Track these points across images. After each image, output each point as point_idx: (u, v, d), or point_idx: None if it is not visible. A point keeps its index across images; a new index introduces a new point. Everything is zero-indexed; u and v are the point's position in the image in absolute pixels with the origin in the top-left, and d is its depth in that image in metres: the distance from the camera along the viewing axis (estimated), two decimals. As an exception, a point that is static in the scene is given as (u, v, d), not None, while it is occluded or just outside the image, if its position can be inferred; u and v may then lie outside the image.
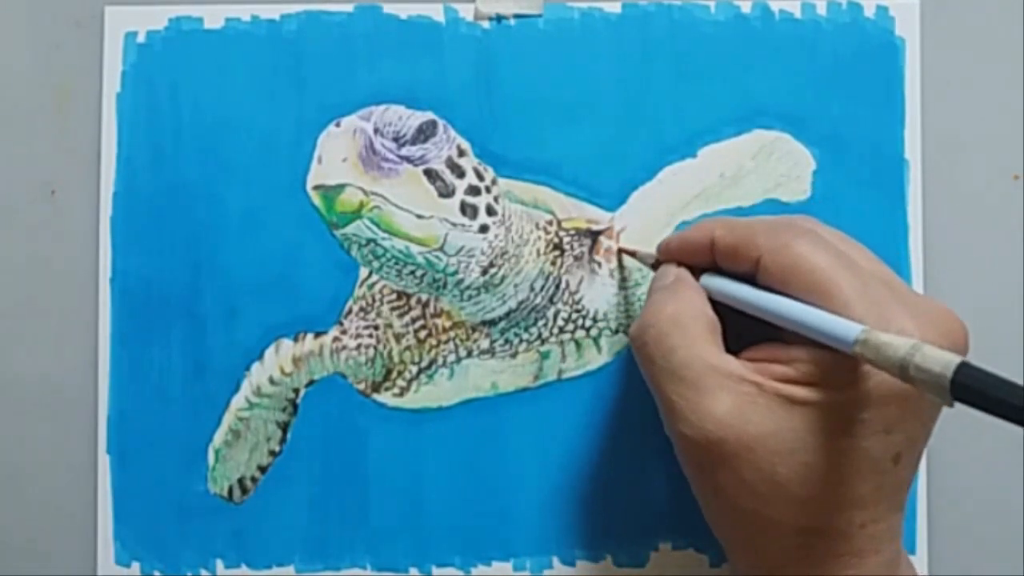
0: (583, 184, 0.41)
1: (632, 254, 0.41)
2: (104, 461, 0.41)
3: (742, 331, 0.34)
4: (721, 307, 0.34)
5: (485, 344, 0.41)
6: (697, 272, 0.36)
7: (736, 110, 0.41)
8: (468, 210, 0.40)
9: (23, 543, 0.42)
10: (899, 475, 0.32)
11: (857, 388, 0.30)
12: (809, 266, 0.31)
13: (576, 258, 0.41)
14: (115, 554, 0.41)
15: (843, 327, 0.29)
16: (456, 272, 0.40)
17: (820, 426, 0.31)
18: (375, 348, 0.41)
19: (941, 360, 0.26)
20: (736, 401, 0.31)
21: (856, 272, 0.31)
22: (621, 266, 0.41)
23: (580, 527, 0.41)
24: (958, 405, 0.26)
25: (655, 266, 0.38)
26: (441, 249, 0.40)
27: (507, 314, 0.41)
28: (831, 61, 0.42)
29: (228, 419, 0.41)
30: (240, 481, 0.41)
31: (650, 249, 0.39)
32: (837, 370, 0.30)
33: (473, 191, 0.40)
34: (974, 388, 0.26)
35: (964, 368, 0.26)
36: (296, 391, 0.41)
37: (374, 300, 0.41)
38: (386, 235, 0.40)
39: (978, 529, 0.40)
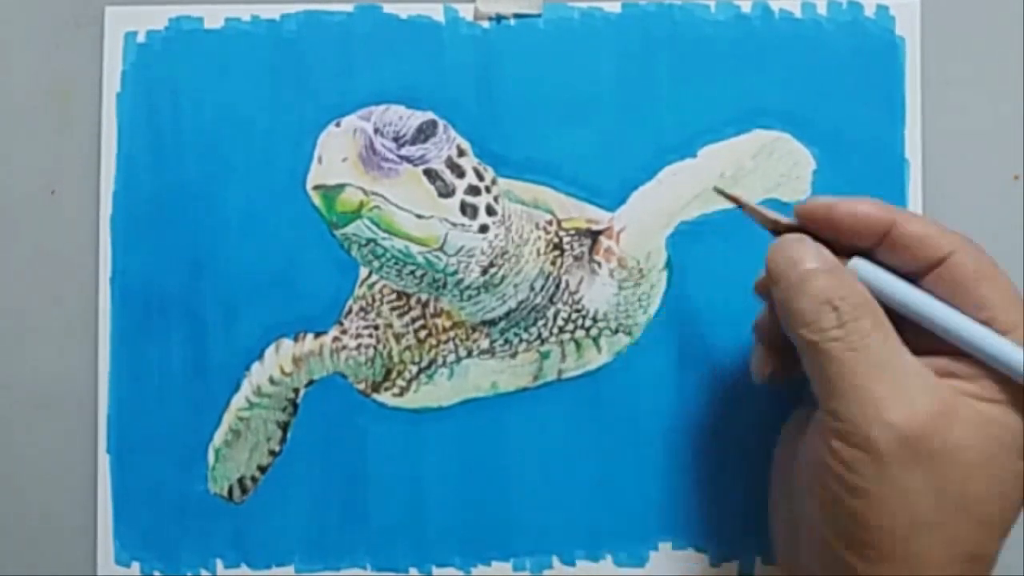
0: (583, 184, 0.41)
1: (737, 202, 0.36)
2: (104, 461, 0.41)
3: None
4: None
5: (485, 344, 0.41)
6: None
7: (736, 110, 0.41)
8: (468, 210, 0.40)
9: (23, 543, 0.42)
10: None
11: None
12: (1000, 278, 0.31)
13: (576, 258, 0.41)
14: (115, 554, 0.41)
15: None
16: (456, 272, 0.40)
17: (1009, 446, 0.30)
18: (375, 348, 0.41)
19: None
20: (941, 405, 0.30)
21: None
22: (622, 266, 0.41)
23: (580, 527, 0.41)
24: None
25: (776, 231, 0.35)
26: (441, 249, 0.40)
27: (507, 314, 0.41)
28: (831, 61, 0.41)
29: (228, 419, 0.41)
30: (240, 481, 0.41)
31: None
32: (1017, 391, 0.30)
33: (473, 191, 0.40)
34: None
35: None
36: (296, 391, 0.41)
37: (374, 300, 0.41)
38: (386, 235, 0.40)
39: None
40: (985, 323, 0.31)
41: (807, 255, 0.32)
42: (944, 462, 0.29)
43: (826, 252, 0.32)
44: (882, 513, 0.30)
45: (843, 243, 0.33)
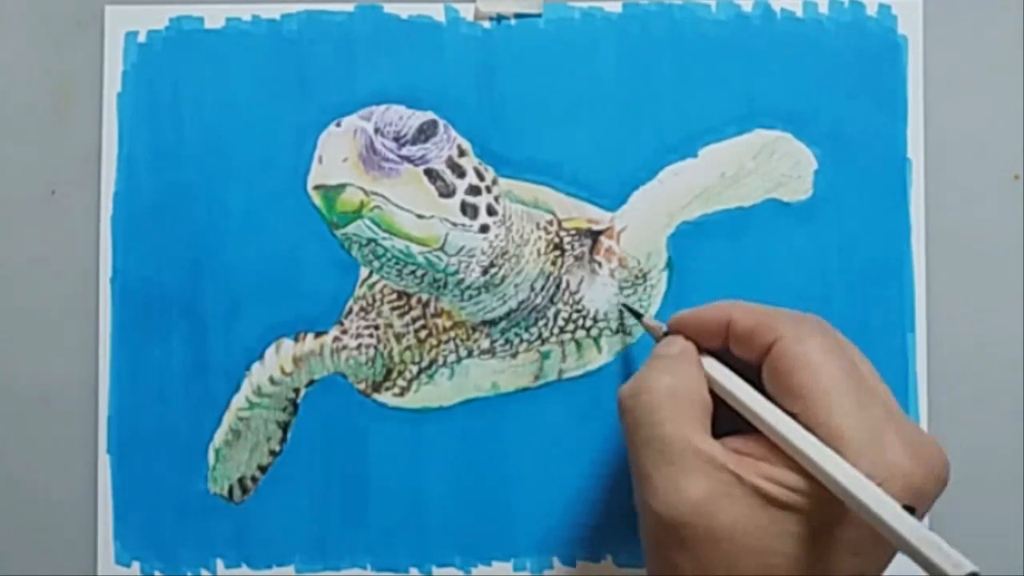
0: (583, 184, 0.41)
1: (639, 317, 0.40)
2: (104, 461, 0.41)
3: (732, 418, 0.33)
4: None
5: (485, 344, 0.41)
6: (702, 352, 0.36)
7: (737, 109, 0.41)
8: (468, 210, 0.40)
9: (23, 543, 0.42)
10: None
11: (834, 504, 0.30)
12: (819, 366, 0.31)
13: (576, 258, 0.41)
14: (115, 554, 0.41)
15: (853, 480, 0.29)
16: (456, 272, 0.40)
17: (791, 532, 0.30)
18: (375, 348, 0.41)
19: (949, 560, 0.27)
20: (712, 488, 0.31)
21: (860, 387, 0.31)
22: (622, 266, 0.41)
23: (580, 527, 0.41)
24: None
25: (659, 337, 0.38)
26: (441, 249, 0.40)
27: (507, 314, 0.41)
28: (833, 60, 0.41)
29: (228, 419, 0.41)
30: (240, 481, 0.41)
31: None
32: (817, 482, 0.30)
33: (473, 191, 0.40)
34: None
35: None
36: (296, 391, 0.41)
37: (374, 300, 0.41)
38: (387, 235, 0.40)
39: (978, 529, 0.40)
40: (796, 413, 0.31)
41: (666, 344, 0.36)
42: (708, 546, 0.30)
43: (680, 346, 0.35)
44: None
45: (708, 344, 0.35)
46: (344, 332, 0.41)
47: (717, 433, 0.33)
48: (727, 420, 0.33)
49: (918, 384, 0.41)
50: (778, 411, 0.32)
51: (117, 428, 0.41)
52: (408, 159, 0.40)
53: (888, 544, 0.30)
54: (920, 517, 0.29)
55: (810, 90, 0.41)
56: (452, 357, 0.41)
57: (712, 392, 0.34)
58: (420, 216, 0.40)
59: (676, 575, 0.31)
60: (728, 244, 0.41)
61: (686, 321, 0.36)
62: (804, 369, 0.31)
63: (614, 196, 0.41)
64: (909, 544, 0.27)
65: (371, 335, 0.41)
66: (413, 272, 0.41)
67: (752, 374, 0.34)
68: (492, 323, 0.41)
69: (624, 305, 0.41)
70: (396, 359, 0.41)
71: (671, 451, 0.31)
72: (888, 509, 0.28)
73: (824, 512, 0.30)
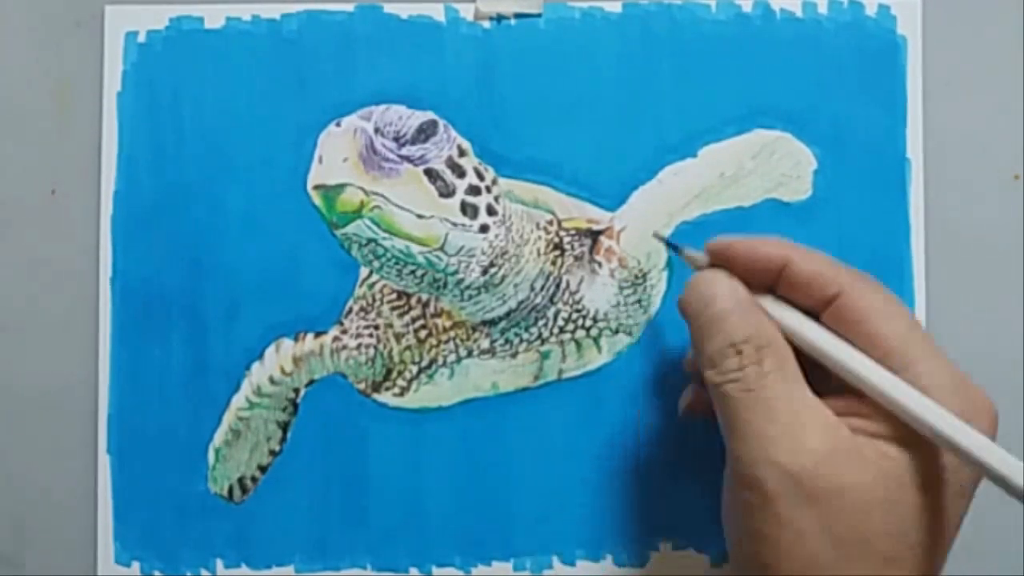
0: (583, 184, 0.41)
1: (676, 249, 0.37)
2: (104, 461, 0.41)
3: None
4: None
5: (485, 344, 0.41)
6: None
7: (737, 109, 0.41)
8: (468, 210, 0.40)
9: (23, 543, 0.42)
10: (954, 537, 0.31)
11: (936, 452, 0.30)
12: (891, 316, 0.31)
13: (576, 258, 0.41)
14: (115, 554, 0.41)
15: (958, 429, 0.29)
16: (456, 272, 0.40)
17: (907, 483, 0.30)
18: (375, 348, 0.41)
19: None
20: (834, 444, 0.30)
21: (928, 338, 0.31)
22: (622, 266, 0.41)
23: (580, 527, 0.41)
24: None
25: (696, 266, 0.36)
26: (441, 249, 0.40)
27: (507, 314, 0.41)
28: (832, 60, 0.41)
29: (228, 419, 0.41)
30: (240, 481, 0.41)
31: (699, 250, 0.36)
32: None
33: (473, 191, 0.40)
34: None
35: None
36: (296, 391, 0.41)
37: (374, 300, 0.41)
38: (386, 235, 0.40)
39: (978, 529, 0.40)
40: (879, 361, 0.31)
41: (718, 294, 0.33)
42: (836, 502, 0.29)
43: (739, 289, 0.33)
44: (778, 555, 0.30)
45: (755, 280, 0.33)
46: (344, 332, 0.41)
47: None
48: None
49: (918, 384, 0.41)
50: (866, 359, 0.31)
51: (117, 428, 0.41)
52: (408, 159, 0.40)
53: (977, 481, 0.31)
54: None
55: (810, 90, 0.41)
56: (452, 357, 0.41)
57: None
58: (420, 216, 0.40)
59: (797, 536, 0.30)
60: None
61: (735, 253, 0.34)
62: (877, 318, 0.31)
63: (614, 196, 0.41)
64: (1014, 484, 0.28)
65: (371, 335, 0.41)
66: (413, 272, 0.41)
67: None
68: (492, 323, 0.41)
69: (661, 238, 0.38)
70: (396, 359, 0.41)
71: (783, 406, 0.30)
72: (994, 452, 0.29)
73: (930, 458, 0.30)
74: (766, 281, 0.33)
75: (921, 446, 0.30)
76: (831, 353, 0.32)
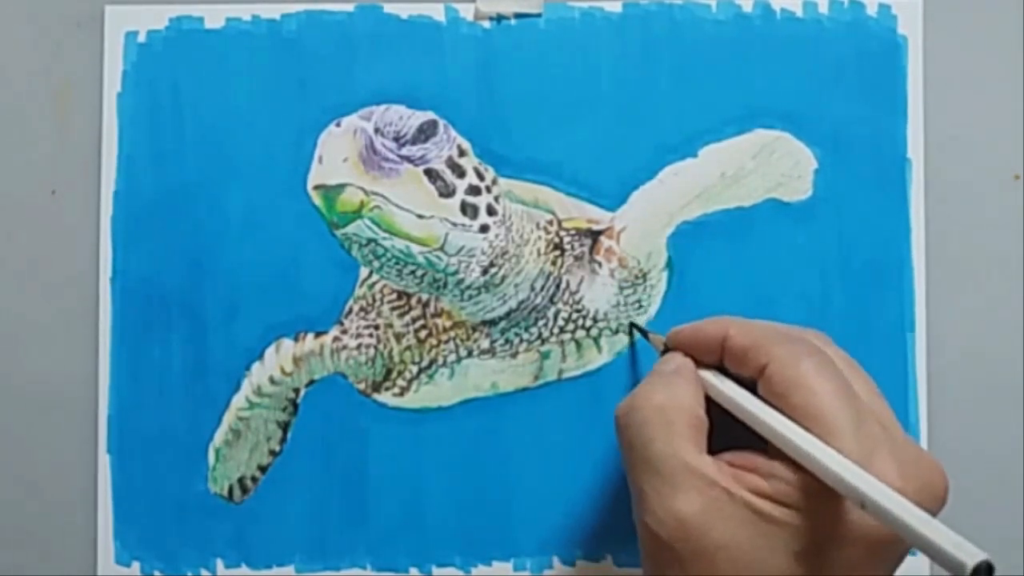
0: (583, 184, 0.41)
1: (645, 335, 0.40)
2: (104, 461, 0.41)
3: (730, 434, 0.33)
4: (714, 407, 0.34)
5: (485, 344, 0.41)
6: (700, 366, 0.36)
7: (737, 109, 0.41)
8: (468, 210, 0.40)
9: (23, 543, 0.42)
10: None
11: (833, 522, 0.30)
12: (812, 387, 0.31)
13: (576, 258, 0.41)
14: (115, 554, 0.41)
15: (850, 474, 0.29)
16: (456, 272, 0.40)
17: (784, 548, 0.30)
18: (375, 348, 0.41)
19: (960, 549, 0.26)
20: (705, 504, 0.31)
21: (855, 405, 0.31)
22: (622, 266, 0.41)
23: (580, 527, 0.41)
24: None
25: (663, 351, 0.38)
26: (441, 249, 0.40)
27: (507, 314, 0.41)
28: (833, 60, 0.41)
29: (228, 419, 0.41)
30: (240, 481, 0.41)
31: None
32: (817, 498, 0.30)
33: (473, 191, 0.40)
34: None
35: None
36: (296, 391, 0.41)
37: (374, 300, 0.41)
38: (387, 235, 0.40)
39: (978, 529, 0.40)
40: (804, 428, 0.31)
41: (664, 361, 0.36)
42: (702, 563, 0.30)
43: (676, 363, 0.35)
44: None
45: (704, 359, 0.35)
46: (344, 332, 0.41)
47: (713, 450, 0.33)
48: (725, 437, 0.33)
49: (917, 384, 0.41)
50: (777, 414, 0.32)
51: (117, 428, 0.41)
52: (408, 159, 0.40)
53: (886, 562, 0.31)
54: None
55: (810, 90, 0.41)
56: (452, 357, 0.41)
57: (710, 408, 0.34)
58: (420, 216, 0.40)
59: None
60: (728, 244, 0.41)
61: (683, 337, 0.36)
62: (797, 391, 0.31)
63: (614, 196, 0.41)
64: (917, 533, 0.27)
65: (371, 335, 0.41)
66: (413, 272, 0.41)
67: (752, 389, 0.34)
68: (492, 323, 0.41)
69: (632, 324, 0.41)
70: (396, 359, 0.41)
71: (662, 468, 0.32)
72: (895, 500, 0.28)
73: (818, 529, 0.30)
74: (715, 355, 0.35)
75: (814, 515, 0.30)
76: (740, 404, 0.33)
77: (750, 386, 0.33)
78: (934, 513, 0.31)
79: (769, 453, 0.32)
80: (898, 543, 0.30)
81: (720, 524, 0.30)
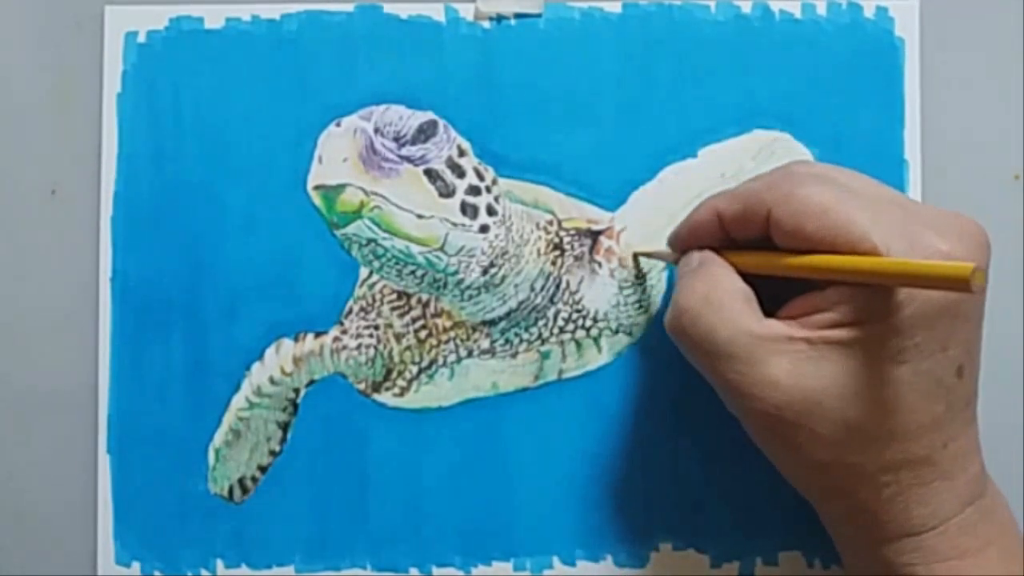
0: (583, 184, 0.41)
1: (649, 255, 0.41)
2: (104, 461, 0.41)
3: (777, 293, 0.33)
4: (751, 275, 0.34)
5: (485, 344, 0.41)
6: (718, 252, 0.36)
7: (736, 110, 0.41)
8: (468, 210, 0.40)
9: (23, 543, 0.42)
10: (966, 387, 0.32)
11: (902, 314, 0.31)
12: (819, 207, 0.31)
13: (576, 258, 0.41)
14: (115, 554, 0.41)
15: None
16: (456, 272, 0.40)
17: (877, 361, 0.31)
18: (375, 348, 0.41)
19: None
20: (792, 362, 0.31)
21: (866, 200, 0.32)
22: (622, 266, 0.41)
23: (580, 527, 0.41)
24: None
25: (676, 261, 0.38)
26: (441, 249, 0.40)
27: (507, 314, 0.41)
28: (831, 61, 0.42)
29: (228, 419, 0.41)
30: (240, 481, 0.41)
31: (662, 243, 0.39)
32: (877, 301, 0.31)
33: (473, 191, 0.40)
34: None
35: None
36: (296, 391, 0.41)
37: (374, 300, 0.41)
38: (386, 235, 0.40)
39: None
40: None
41: (685, 263, 0.36)
42: (816, 412, 0.31)
43: (696, 258, 0.35)
44: (798, 475, 0.34)
45: (714, 242, 0.36)
46: (344, 332, 0.41)
47: (769, 313, 0.33)
48: (772, 300, 0.34)
49: (917, 384, 0.41)
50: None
51: (117, 428, 0.41)
52: (408, 159, 0.40)
53: (970, 323, 0.32)
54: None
55: (808, 91, 0.42)
56: (452, 357, 0.41)
57: (747, 280, 0.34)
58: (420, 216, 0.40)
59: (801, 453, 0.32)
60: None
61: (684, 232, 0.37)
62: (807, 220, 0.31)
63: (614, 196, 0.41)
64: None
65: (371, 335, 0.41)
66: (413, 272, 0.41)
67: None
68: (492, 323, 0.41)
69: (636, 253, 0.41)
70: (396, 359, 0.41)
71: (737, 350, 0.32)
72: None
73: (894, 327, 0.31)
74: (719, 234, 0.35)
75: (883, 318, 0.31)
76: (776, 264, 0.33)
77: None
78: (988, 257, 0.33)
79: (817, 288, 0.32)
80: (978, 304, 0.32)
81: (814, 371, 0.31)
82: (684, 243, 0.37)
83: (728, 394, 0.33)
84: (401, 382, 0.41)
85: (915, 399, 0.31)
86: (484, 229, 0.40)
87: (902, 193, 0.34)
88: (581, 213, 0.41)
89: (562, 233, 0.41)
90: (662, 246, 0.40)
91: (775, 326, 0.32)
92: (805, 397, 0.31)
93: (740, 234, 0.34)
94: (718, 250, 0.35)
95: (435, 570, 0.41)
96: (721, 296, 0.33)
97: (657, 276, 0.41)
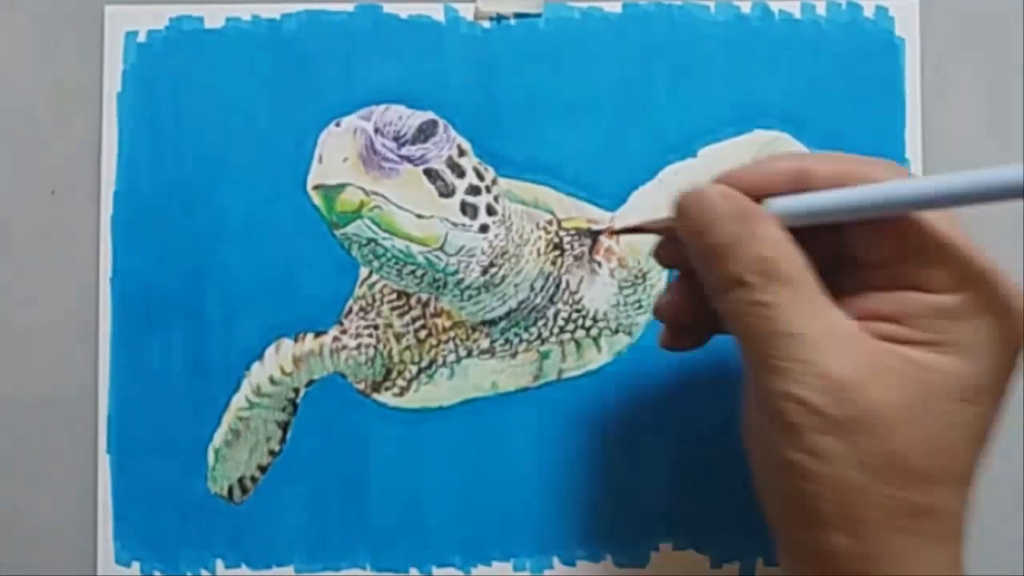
0: (583, 184, 0.41)
1: (639, 228, 0.35)
2: (104, 461, 0.41)
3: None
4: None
5: (485, 344, 0.41)
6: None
7: (736, 110, 0.41)
8: (468, 210, 0.40)
9: (23, 543, 0.41)
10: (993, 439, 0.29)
11: (981, 348, 0.28)
12: (855, 155, 0.29)
13: (576, 258, 0.41)
14: (115, 554, 0.41)
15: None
16: (456, 272, 0.40)
17: (939, 393, 0.28)
18: (375, 348, 0.41)
19: None
20: (859, 364, 0.28)
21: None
22: (622, 266, 0.41)
23: (580, 527, 0.41)
24: None
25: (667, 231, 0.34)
26: (441, 249, 0.40)
27: (507, 314, 0.41)
28: (831, 61, 0.42)
29: (228, 419, 0.41)
30: (240, 481, 0.41)
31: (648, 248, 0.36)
32: (958, 327, 0.28)
33: (473, 191, 0.40)
34: None
35: None
36: (296, 391, 0.41)
37: (374, 300, 0.41)
38: (386, 235, 0.40)
39: (979, 530, 0.40)
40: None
41: (716, 219, 0.30)
42: (862, 425, 0.27)
43: (736, 204, 0.30)
44: (807, 480, 0.28)
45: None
46: (344, 332, 0.41)
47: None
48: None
49: (917, 383, 0.41)
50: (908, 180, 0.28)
51: (117, 428, 0.41)
52: (408, 159, 0.40)
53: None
54: None
55: (808, 91, 0.42)
56: (452, 357, 0.41)
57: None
58: (420, 216, 0.40)
59: (823, 462, 0.28)
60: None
61: (741, 177, 0.31)
62: (850, 162, 0.29)
63: (614, 196, 0.41)
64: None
65: (371, 335, 0.41)
66: (413, 272, 0.41)
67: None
68: (492, 323, 0.41)
69: (623, 228, 0.36)
70: (396, 359, 0.41)
71: (801, 333, 0.28)
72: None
73: (971, 360, 0.28)
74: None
75: (962, 347, 0.28)
76: (847, 201, 0.28)
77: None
78: None
79: (880, 286, 0.29)
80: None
81: (879, 382, 0.27)
82: (736, 184, 0.30)
83: (775, 376, 0.28)
84: (401, 382, 0.41)
85: (968, 446, 0.29)
86: (484, 229, 0.40)
87: None
88: (581, 213, 0.41)
89: (562, 233, 0.41)
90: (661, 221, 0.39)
91: (848, 322, 0.28)
92: (861, 405, 0.27)
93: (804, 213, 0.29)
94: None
95: (435, 570, 0.41)
96: (785, 265, 0.29)
97: (657, 276, 0.41)
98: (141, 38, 0.42)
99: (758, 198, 0.30)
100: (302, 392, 0.41)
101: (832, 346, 0.28)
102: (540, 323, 0.41)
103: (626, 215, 0.41)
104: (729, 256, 0.29)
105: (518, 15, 0.41)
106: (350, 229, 0.40)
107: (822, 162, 0.30)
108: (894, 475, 0.28)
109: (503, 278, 0.41)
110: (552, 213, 0.41)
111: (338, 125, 0.41)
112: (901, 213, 0.28)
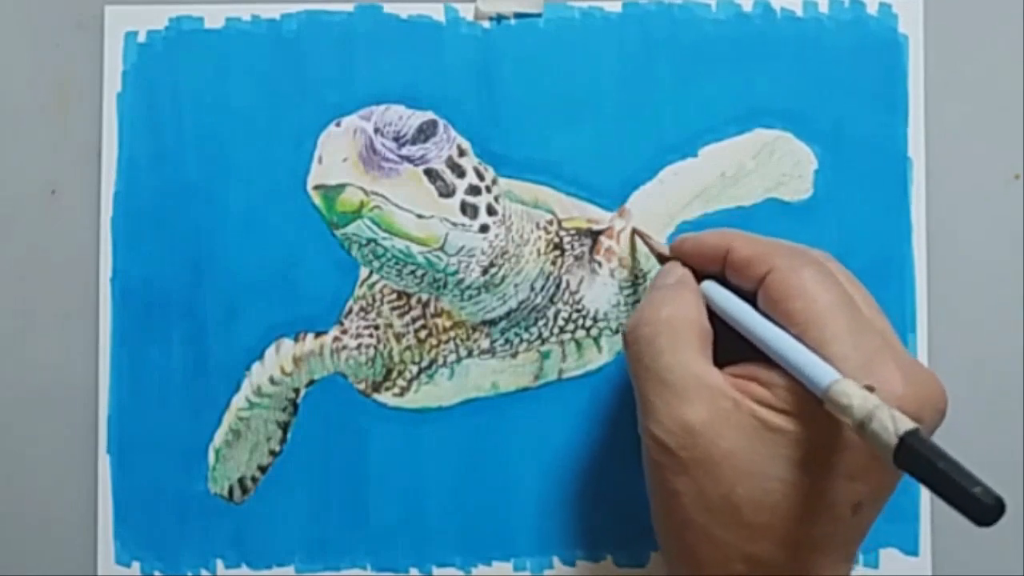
0: (583, 184, 0.41)
1: (646, 239, 0.40)
2: (104, 461, 0.41)
3: (733, 345, 0.33)
4: (716, 318, 0.34)
5: (485, 344, 0.41)
6: (700, 277, 0.36)
7: (737, 109, 0.41)
8: (468, 210, 0.40)
9: (23, 543, 0.42)
10: (856, 525, 0.32)
11: (830, 428, 0.30)
12: (811, 294, 0.32)
13: (576, 258, 0.41)
14: (115, 554, 0.41)
15: (819, 370, 0.29)
16: (456, 272, 0.40)
17: (786, 457, 0.30)
18: (375, 348, 0.41)
19: (894, 424, 0.27)
20: (712, 413, 0.31)
21: (854, 315, 0.32)
22: (622, 266, 0.41)
23: (580, 527, 0.41)
24: None
25: (662, 260, 0.38)
26: (441, 249, 0.40)
27: (507, 314, 0.41)
28: (833, 59, 0.41)
29: (228, 419, 0.41)
30: (240, 481, 0.41)
31: (661, 240, 0.40)
32: (814, 405, 0.30)
33: (473, 191, 0.40)
34: (918, 457, 0.26)
35: (912, 436, 0.26)
36: (296, 391, 0.41)
37: (374, 300, 0.41)
38: (386, 235, 0.40)
39: (979, 530, 0.40)
40: (795, 337, 0.31)
41: (665, 273, 0.37)
42: (706, 469, 0.31)
43: (677, 275, 0.36)
44: (659, 513, 0.34)
45: (706, 269, 0.36)
46: (344, 332, 0.41)
47: (719, 363, 0.33)
48: (728, 350, 0.33)
49: (918, 384, 0.41)
50: (770, 324, 0.32)
51: (117, 428, 0.41)
52: (408, 159, 0.40)
53: (886, 470, 0.31)
54: None
55: (810, 89, 0.41)
56: (452, 357, 0.41)
57: (713, 320, 0.34)
58: (420, 216, 0.40)
59: (674, 498, 0.32)
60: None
61: (687, 247, 0.37)
62: (797, 297, 0.32)
63: (614, 196, 0.41)
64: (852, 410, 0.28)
65: (371, 335, 0.41)
66: (413, 272, 0.41)
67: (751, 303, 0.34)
68: (492, 323, 0.41)
69: (635, 230, 0.41)
70: (396, 359, 0.41)
71: (670, 378, 0.32)
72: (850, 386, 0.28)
73: (818, 436, 0.30)
74: (712, 270, 0.36)
75: (814, 423, 0.30)
76: (744, 324, 0.33)
77: (750, 300, 0.34)
78: (935, 423, 0.32)
79: (769, 363, 0.32)
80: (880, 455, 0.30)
81: (726, 432, 0.31)
82: (682, 255, 0.37)
83: (643, 414, 0.33)
84: (401, 382, 0.41)
85: (803, 510, 0.31)
86: (484, 229, 0.40)
87: (894, 332, 0.33)
88: (581, 213, 0.41)
89: (562, 233, 0.41)
90: (662, 246, 0.40)
91: (714, 374, 0.32)
92: (706, 450, 0.31)
93: (734, 277, 0.35)
94: (699, 277, 0.36)
95: (435, 570, 0.41)
96: (681, 324, 0.33)
97: (657, 276, 0.41)
98: (141, 38, 0.42)
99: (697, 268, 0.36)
100: (302, 392, 0.41)
101: (692, 395, 0.32)
102: (540, 323, 0.41)
103: (626, 215, 0.41)
104: (655, 303, 0.34)
105: (518, 15, 0.41)
106: (350, 229, 0.40)
107: (745, 246, 0.34)
108: (729, 521, 0.31)
109: (503, 278, 0.41)
110: (552, 213, 0.41)
111: (338, 125, 0.41)
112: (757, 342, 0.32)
